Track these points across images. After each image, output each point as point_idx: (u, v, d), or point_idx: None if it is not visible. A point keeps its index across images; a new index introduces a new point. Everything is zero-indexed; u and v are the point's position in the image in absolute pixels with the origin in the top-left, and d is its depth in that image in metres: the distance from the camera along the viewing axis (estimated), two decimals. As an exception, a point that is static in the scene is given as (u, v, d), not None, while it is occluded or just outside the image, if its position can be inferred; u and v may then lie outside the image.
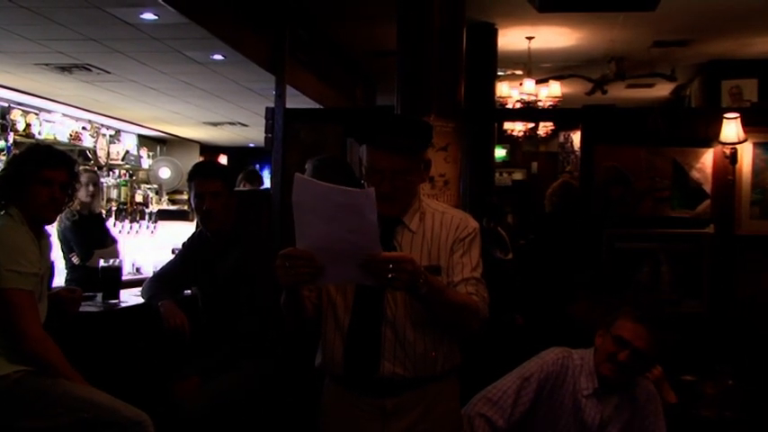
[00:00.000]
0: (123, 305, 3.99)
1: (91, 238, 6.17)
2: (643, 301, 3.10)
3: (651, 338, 2.96)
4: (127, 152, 11.16)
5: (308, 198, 2.22)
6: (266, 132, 6.28)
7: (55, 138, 9.25)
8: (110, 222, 8.72)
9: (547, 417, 2.98)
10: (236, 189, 5.88)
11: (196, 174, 3.88)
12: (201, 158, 13.67)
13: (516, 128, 9.74)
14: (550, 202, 5.97)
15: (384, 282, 2.25)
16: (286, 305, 2.52)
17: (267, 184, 8.97)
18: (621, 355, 2.94)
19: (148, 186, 11.03)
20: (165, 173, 10.69)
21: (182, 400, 3.54)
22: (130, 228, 9.62)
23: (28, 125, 8.86)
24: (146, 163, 11.73)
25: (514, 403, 2.95)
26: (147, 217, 10.07)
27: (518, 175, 12.84)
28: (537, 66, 8.85)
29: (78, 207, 6.02)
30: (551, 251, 5.56)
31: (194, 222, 5.25)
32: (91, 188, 6.21)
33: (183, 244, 4.20)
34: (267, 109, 6.37)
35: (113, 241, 6.51)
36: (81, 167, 7.05)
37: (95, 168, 9.15)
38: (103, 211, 7.46)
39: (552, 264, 5.36)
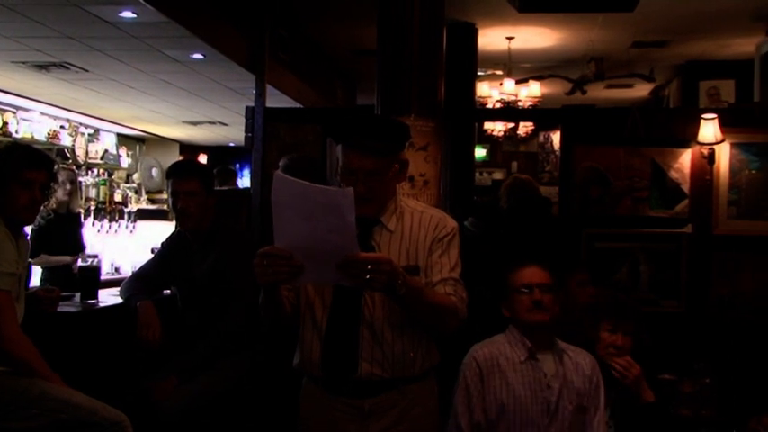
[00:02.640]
0: (102, 305, 3.96)
1: (66, 237, 6.10)
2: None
3: (544, 271, 3.15)
4: (106, 151, 11.10)
5: (287, 197, 2.22)
6: (246, 132, 6.26)
7: (32, 136, 9.18)
8: (89, 221, 8.65)
9: (501, 399, 3.04)
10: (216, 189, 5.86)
11: (173, 173, 3.87)
12: (181, 158, 13.61)
13: (496, 128, 9.77)
14: (503, 201, 5.96)
15: (362, 282, 2.25)
16: (264, 304, 2.52)
17: (245, 182, 8.96)
18: (535, 295, 3.08)
19: (127, 186, 10.97)
20: (156, 173, 10.68)
21: (160, 400, 3.53)
22: (109, 227, 9.56)
23: (5, 123, 8.79)
24: (125, 162, 11.67)
25: (470, 410, 3.05)
26: (126, 216, 10.01)
27: (498, 175, 12.86)
28: (517, 66, 8.89)
29: (55, 206, 5.96)
30: (507, 247, 5.54)
31: (174, 222, 5.21)
32: (68, 186, 6.14)
33: (162, 243, 4.18)
34: (247, 108, 6.36)
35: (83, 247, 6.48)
36: (58, 166, 6.99)
37: (73, 167, 9.05)
38: (82, 211, 7.29)
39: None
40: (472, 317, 2.67)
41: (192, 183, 3.81)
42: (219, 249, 3.82)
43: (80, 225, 6.75)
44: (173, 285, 4.10)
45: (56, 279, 5.67)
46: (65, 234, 6.13)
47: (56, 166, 3.40)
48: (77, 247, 6.33)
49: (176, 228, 4.17)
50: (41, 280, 5.98)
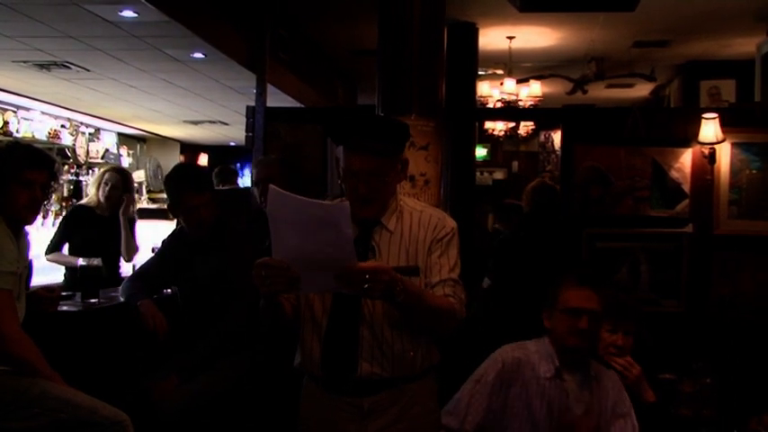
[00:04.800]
0: (102, 304, 3.96)
1: (113, 243, 5.63)
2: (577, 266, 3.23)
3: (598, 297, 3.02)
4: (106, 150, 11.11)
5: (284, 210, 2.22)
6: (247, 131, 6.27)
7: (33, 136, 9.18)
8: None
9: (514, 408, 3.00)
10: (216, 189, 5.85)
11: (187, 187, 3.80)
12: (182, 157, 13.62)
13: (497, 127, 9.77)
14: (527, 202, 6.00)
15: (360, 292, 2.26)
16: (264, 310, 2.52)
17: (246, 182, 8.92)
18: (582, 323, 2.97)
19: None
20: (160, 173, 10.69)
21: (160, 399, 3.53)
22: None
23: (6, 123, 8.79)
24: (125, 161, 11.68)
25: (468, 406, 2.98)
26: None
27: (499, 175, 12.88)
28: (518, 65, 8.88)
29: (93, 204, 5.69)
30: (528, 250, 5.57)
31: (174, 221, 5.16)
32: (107, 188, 5.64)
33: (163, 242, 4.17)
34: (248, 107, 6.37)
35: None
36: (108, 166, 6.82)
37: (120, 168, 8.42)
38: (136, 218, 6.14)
39: (529, 262, 5.37)
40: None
41: (206, 194, 3.81)
42: (223, 249, 3.82)
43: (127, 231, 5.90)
44: (174, 284, 4.10)
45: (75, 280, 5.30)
46: (110, 240, 5.63)
47: (56, 166, 3.39)
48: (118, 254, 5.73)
49: (178, 226, 4.17)
50: (65, 279, 5.62)
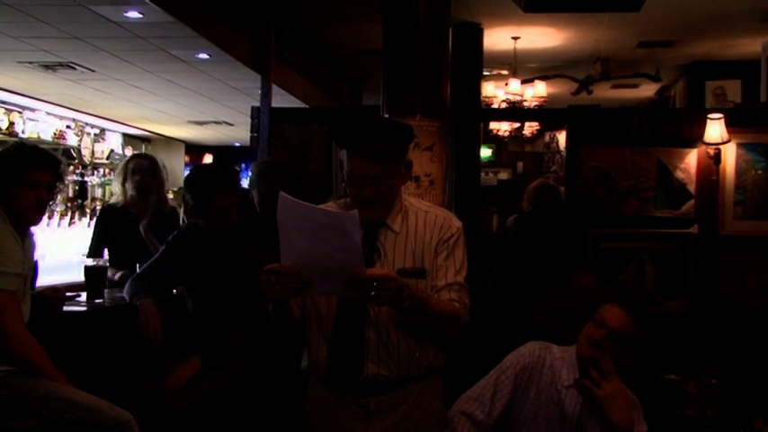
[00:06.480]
0: (107, 304, 3.96)
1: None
2: (629, 292, 3.05)
3: (632, 323, 2.91)
4: (111, 151, 11.11)
5: (293, 217, 2.24)
6: (252, 132, 6.28)
7: (38, 136, 9.20)
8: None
9: (528, 408, 2.96)
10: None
11: (220, 187, 3.77)
12: (187, 158, 13.62)
13: (502, 128, 9.76)
14: (528, 202, 6.01)
15: (368, 298, 2.28)
16: (273, 314, 2.52)
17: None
18: (599, 333, 2.89)
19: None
20: (165, 174, 10.66)
21: (179, 384, 3.52)
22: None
23: (11, 123, 8.81)
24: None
25: (493, 396, 2.92)
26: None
27: (504, 175, 12.87)
28: (522, 66, 8.88)
29: (122, 202, 5.05)
30: (529, 250, 5.58)
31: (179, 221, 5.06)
32: (136, 177, 5.00)
33: (167, 241, 4.13)
34: (253, 108, 6.38)
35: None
36: (132, 154, 6.47)
37: (146, 154, 7.31)
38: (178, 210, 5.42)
39: (529, 263, 5.37)
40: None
41: (236, 194, 3.81)
42: (250, 248, 3.80)
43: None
44: (183, 284, 4.06)
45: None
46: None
47: (62, 166, 3.39)
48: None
49: (184, 224, 4.14)
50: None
